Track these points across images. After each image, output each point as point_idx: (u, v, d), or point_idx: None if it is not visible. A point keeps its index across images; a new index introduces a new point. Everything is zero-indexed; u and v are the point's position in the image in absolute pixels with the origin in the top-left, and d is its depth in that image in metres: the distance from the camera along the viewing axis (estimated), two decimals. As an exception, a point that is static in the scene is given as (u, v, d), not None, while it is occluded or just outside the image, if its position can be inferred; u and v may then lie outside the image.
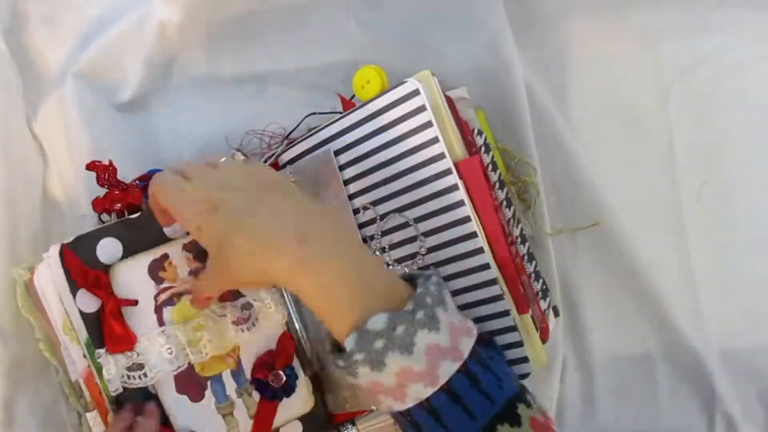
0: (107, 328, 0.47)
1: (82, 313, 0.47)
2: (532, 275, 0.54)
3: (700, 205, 0.61)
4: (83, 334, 0.47)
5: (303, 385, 0.54)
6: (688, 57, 0.62)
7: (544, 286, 0.54)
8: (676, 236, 0.62)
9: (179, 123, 0.62)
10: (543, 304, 0.54)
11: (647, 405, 0.62)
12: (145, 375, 0.48)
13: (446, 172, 0.49)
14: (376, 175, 0.52)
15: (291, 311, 0.56)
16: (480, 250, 0.49)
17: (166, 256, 0.50)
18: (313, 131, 0.55)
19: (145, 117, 0.62)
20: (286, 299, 0.56)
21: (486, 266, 0.49)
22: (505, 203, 0.53)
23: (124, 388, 0.48)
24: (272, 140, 0.60)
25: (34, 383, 0.52)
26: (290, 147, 0.57)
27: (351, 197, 0.54)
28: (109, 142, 0.59)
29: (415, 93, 0.49)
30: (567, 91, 0.63)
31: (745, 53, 0.62)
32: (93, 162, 0.52)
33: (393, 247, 0.53)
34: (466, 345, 0.40)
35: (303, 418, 0.54)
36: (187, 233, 0.51)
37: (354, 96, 0.58)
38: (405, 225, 0.52)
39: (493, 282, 0.49)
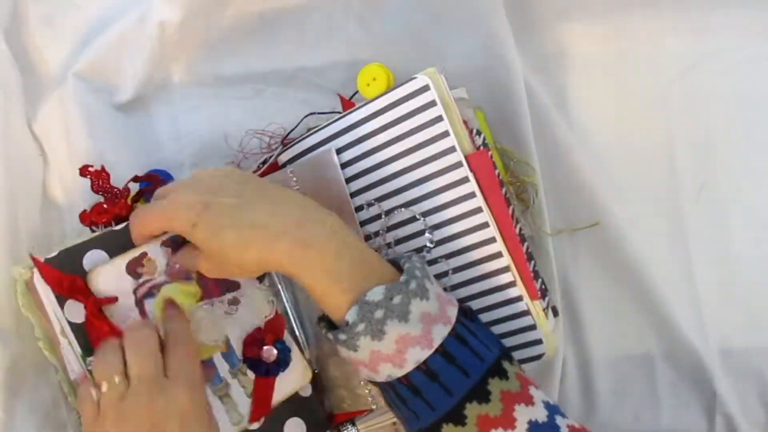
0: (91, 329, 0.47)
1: (71, 324, 0.47)
2: (532, 275, 0.54)
3: (700, 205, 0.61)
4: (75, 344, 0.47)
5: (297, 357, 0.54)
6: (688, 57, 0.62)
7: (544, 286, 0.54)
8: (676, 236, 0.62)
9: (179, 123, 0.62)
10: (542, 304, 0.54)
11: (647, 405, 0.62)
12: None
13: (457, 165, 0.50)
14: (381, 171, 0.53)
15: (291, 312, 0.56)
16: (492, 240, 0.51)
17: (144, 254, 0.50)
18: (313, 130, 0.55)
19: (145, 117, 0.62)
20: (284, 299, 0.56)
21: (498, 254, 0.51)
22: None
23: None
24: (272, 140, 0.60)
25: (34, 383, 0.52)
26: (290, 146, 0.57)
27: (354, 194, 0.54)
28: (109, 142, 0.59)
29: (425, 89, 0.50)
30: (567, 91, 0.63)
31: (745, 53, 0.62)
32: (86, 167, 0.52)
33: (399, 242, 0.54)
34: (452, 312, 0.45)
35: (305, 418, 0.54)
36: (180, 243, 0.51)
37: (354, 95, 0.58)
38: (411, 220, 0.53)
39: (505, 269, 0.51)
